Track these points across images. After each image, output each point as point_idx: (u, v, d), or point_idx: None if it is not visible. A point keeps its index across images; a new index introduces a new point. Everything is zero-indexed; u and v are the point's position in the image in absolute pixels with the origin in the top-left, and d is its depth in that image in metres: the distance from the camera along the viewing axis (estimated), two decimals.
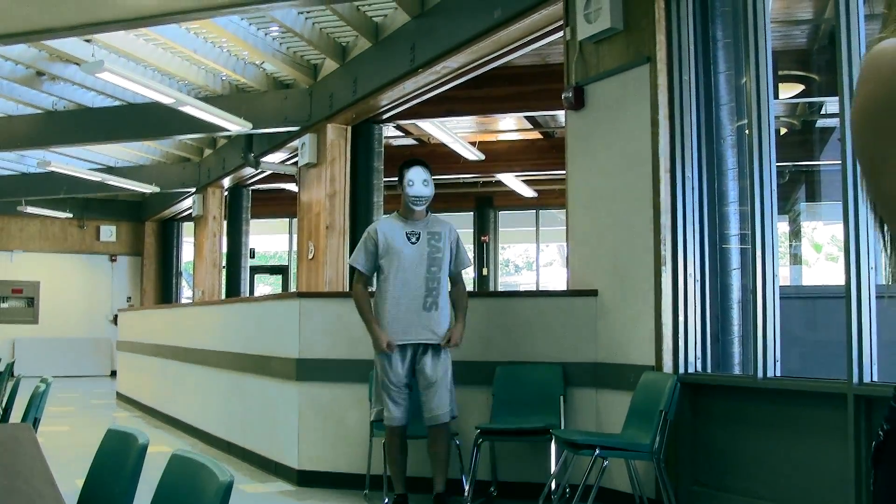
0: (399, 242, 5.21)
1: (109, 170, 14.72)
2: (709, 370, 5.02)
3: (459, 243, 5.40)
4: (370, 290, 5.39)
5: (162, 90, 8.77)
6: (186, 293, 18.61)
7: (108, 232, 18.40)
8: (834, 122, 8.21)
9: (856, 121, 1.26)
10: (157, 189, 14.62)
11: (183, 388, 9.29)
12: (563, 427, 5.29)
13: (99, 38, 8.53)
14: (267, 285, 20.28)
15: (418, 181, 5.22)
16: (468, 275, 15.70)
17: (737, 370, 5.00)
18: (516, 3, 6.19)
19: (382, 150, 9.53)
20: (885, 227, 1.33)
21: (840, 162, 4.13)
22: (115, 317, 15.42)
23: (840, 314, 4.11)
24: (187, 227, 17.69)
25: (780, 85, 8.24)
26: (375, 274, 5.32)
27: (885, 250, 1.35)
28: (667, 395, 4.59)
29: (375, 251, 5.24)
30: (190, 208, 15.18)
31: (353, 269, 5.36)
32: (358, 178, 9.33)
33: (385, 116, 9.19)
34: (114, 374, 15.35)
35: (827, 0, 7.23)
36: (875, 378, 3.99)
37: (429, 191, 5.24)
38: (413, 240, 5.21)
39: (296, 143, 10.16)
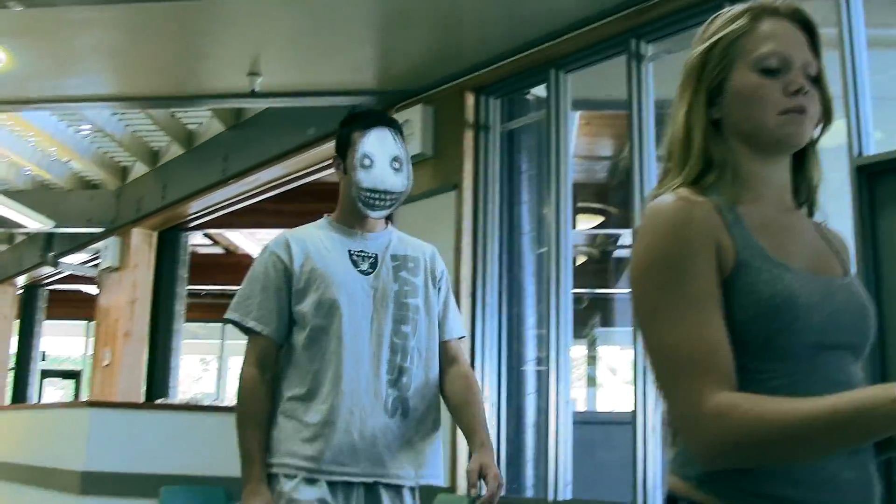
0: (337, 267, 2.70)
1: None
2: (503, 492, 5.08)
3: (448, 285, 2.97)
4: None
5: None
6: None
7: None
8: (629, 253, 8.64)
9: (633, 271, 1.37)
10: None
11: None
12: None
13: None
14: (58, 390, 19.32)
15: (382, 157, 2.76)
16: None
17: (530, 493, 5.09)
18: (330, 122, 6.30)
19: (188, 258, 9.38)
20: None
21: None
22: None
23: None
24: None
25: (580, 216, 8.64)
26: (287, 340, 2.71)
27: None
28: None
29: (288, 284, 2.68)
30: None
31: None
32: (160, 286, 9.12)
33: (193, 224, 9.08)
34: None
35: (625, 140, 7.69)
36: (659, 501, 4.16)
37: (401, 182, 2.78)
38: (364, 265, 2.73)
39: (99, 245, 9.88)
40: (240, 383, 2.68)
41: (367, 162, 2.73)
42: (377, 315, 2.68)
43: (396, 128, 2.86)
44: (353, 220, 2.80)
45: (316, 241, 2.75)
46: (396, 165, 2.77)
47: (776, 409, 1.21)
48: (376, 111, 3.24)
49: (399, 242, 2.86)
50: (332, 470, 2.55)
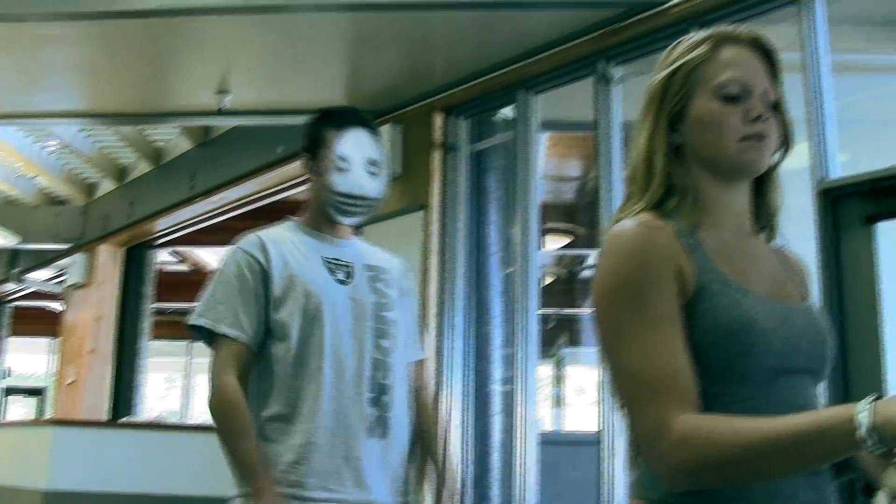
0: (316, 276, 2.49)
1: None
2: None
3: (415, 302, 2.85)
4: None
5: None
6: None
7: None
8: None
9: (595, 295, 1.39)
10: None
11: None
12: None
13: None
14: (22, 407, 19.11)
15: (358, 160, 2.54)
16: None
17: None
18: (299, 141, 6.27)
19: (154, 275, 9.32)
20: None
21: None
22: None
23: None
24: None
25: (547, 236, 8.66)
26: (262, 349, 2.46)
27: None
28: None
29: (265, 289, 2.45)
30: None
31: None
32: (127, 303, 9.05)
33: (160, 241, 9.02)
34: None
35: (592, 161, 7.73)
36: None
37: (377, 187, 2.58)
38: (339, 274, 2.52)
39: (65, 261, 9.80)
40: (218, 394, 2.38)
41: (342, 165, 2.51)
42: (357, 329, 2.46)
43: (373, 129, 2.63)
44: (323, 226, 2.59)
45: (290, 245, 2.53)
46: (373, 170, 2.56)
47: (739, 429, 1.22)
48: (352, 109, 2.83)
49: (369, 252, 2.66)
50: (318, 497, 2.34)
